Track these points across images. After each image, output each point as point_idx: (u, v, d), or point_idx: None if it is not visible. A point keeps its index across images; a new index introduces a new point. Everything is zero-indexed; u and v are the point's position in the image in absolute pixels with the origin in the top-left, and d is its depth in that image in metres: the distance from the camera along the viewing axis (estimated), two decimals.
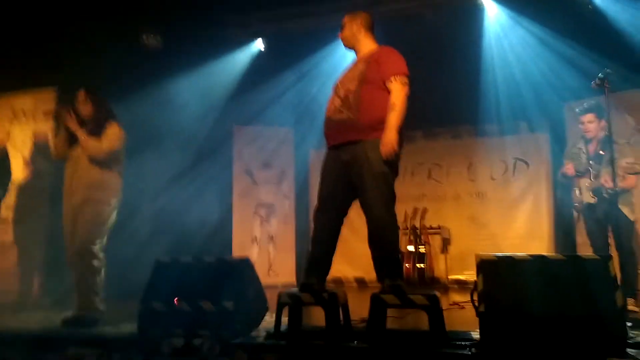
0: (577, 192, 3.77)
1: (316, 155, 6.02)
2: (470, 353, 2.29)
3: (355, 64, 2.88)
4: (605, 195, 3.54)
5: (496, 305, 2.33)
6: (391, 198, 2.69)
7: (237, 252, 6.01)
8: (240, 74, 6.05)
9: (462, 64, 5.52)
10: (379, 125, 2.66)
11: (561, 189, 4.74)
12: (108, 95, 3.60)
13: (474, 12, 5.46)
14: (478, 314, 2.36)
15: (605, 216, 3.58)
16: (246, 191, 6.31)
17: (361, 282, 5.96)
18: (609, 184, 3.43)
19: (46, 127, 5.03)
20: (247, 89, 5.97)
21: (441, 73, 5.48)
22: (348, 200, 2.80)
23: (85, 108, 3.42)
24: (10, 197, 4.69)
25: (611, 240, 3.60)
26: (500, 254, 2.50)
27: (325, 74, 5.48)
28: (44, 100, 5.01)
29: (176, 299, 2.62)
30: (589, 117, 3.72)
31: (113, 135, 3.37)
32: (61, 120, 3.46)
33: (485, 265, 2.41)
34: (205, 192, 5.67)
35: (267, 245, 6.25)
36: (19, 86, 5.24)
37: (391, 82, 2.69)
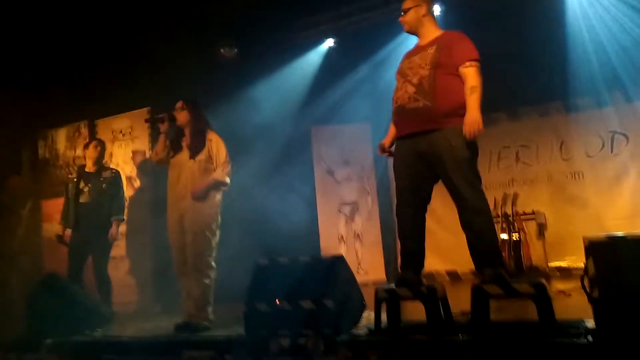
0: None
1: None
2: (587, 341, 2.15)
3: (422, 49, 2.80)
4: None
5: (611, 290, 2.17)
6: (479, 182, 2.65)
7: (325, 252, 6.08)
8: (313, 74, 6.13)
9: (544, 35, 5.20)
10: (457, 112, 2.61)
11: None
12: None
13: None
14: (591, 300, 2.21)
15: None
16: (329, 190, 6.37)
17: (454, 275, 5.81)
18: None
19: (143, 145, 5.42)
20: (322, 88, 6.04)
21: (522, 48, 5.21)
22: (428, 190, 2.76)
23: (181, 115, 3.59)
24: None
25: None
26: (610, 234, 2.33)
27: (398, 65, 5.41)
28: (139, 119, 5.40)
29: (278, 299, 2.70)
30: None
31: (225, 155, 3.51)
32: (157, 126, 3.65)
33: (596, 248, 2.24)
34: (289, 194, 5.80)
35: (354, 243, 6.27)
36: (115, 109, 5.69)
37: (466, 67, 2.65)
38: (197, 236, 3.40)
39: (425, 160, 2.68)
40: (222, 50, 5.71)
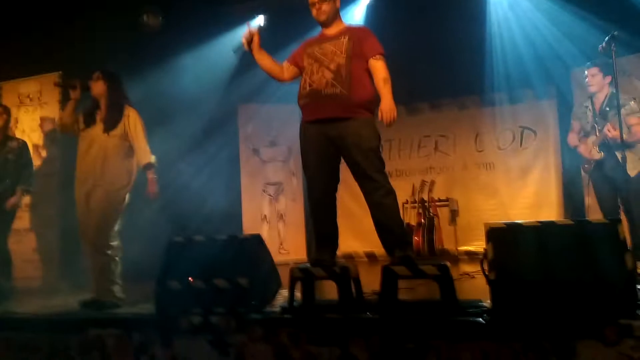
0: (584, 152, 3.78)
1: None
2: (483, 321, 2.32)
3: (333, 38, 2.86)
4: (610, 148, 3.53)
5: (506, 273, 2.35)
6: (384, 168, 2.79)
7: (247, 231, 6.05)
8: (241, 53, 5.99)
9: (466, 33, 5.43)
10: (368, 104, 2.77)
11: (569, 154, 4.72)
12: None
13: None
14: (489, 282, 2.38)
15: (613, 173, 3.56)
16: (254, 170, 6.33)
17: (371, 257, 6.01)
18: (613, 134, 3.45)
19: (53, 112, 5.05)
20: (249, 66, 5.92)
21: (445, 43, 5.41)
22: (337, 172, 2.85)
23: (97, 85, 3.40)
24: None
25: (620, 202, 3.59)
26: (509, 222, 2.51)
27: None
28: (49, 84, 5.01)
29: (191, 277, 2.66)
30: (593, 70, 3.71)
31: (141, 129, 3.39)
32: (69, 92, 3.45)
33: (495, 234, 2.41)
34: (213, 172, 5.69)
35: (277, 224, 6.30)
36: (23, 72, 5.24)
37: (377, 59, 2.79)
38: (100, 211, 3.29)
39: (334, 146, 2.77)
40: (145, 17, 5.42)
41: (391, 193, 2.75)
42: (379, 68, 2.77)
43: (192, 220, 5.13)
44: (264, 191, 6.35)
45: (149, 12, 5.49)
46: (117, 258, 3.34)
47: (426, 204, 5.82)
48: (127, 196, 3.40)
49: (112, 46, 4.88)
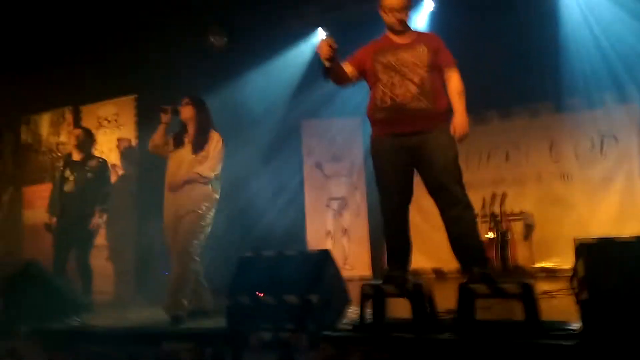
0: None
1: None
2: (573, 344, 2.12)
3: (409, 47, 2.76)
4: None
5: (600, 292, 2.14)
6: (462, 179, 2.71)
7: (311, 246, 6.03)
8: (304, 68, 6.04)
9: (536, 34, 5.19)
10: (447, 114, 2.72)
11: None
12: (183, 95, 3.73)
13: None
14: (579, 302, 2.18)
15: None
16: (317, 185, 6.31)
17: (439, 273, 5.79)
18: None
19: (129, 133, 5.32)
20: (312, 81, 5.96)
21: (513, 46, 5.19)
22: (411, 186, 2.77)
23: (186, 110, 3.63)
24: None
25: None
26: (601, 236, 2.30)
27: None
28: (125, 107, 5.29)
29: (260, 293, 2.64)
30: None
31: (218, 153, 3.57)
32: (161, 116, 3.66)
33: (586, 250, 2.22)
34: (277, 188, 5.74)
35: (341, 239, 6.22)
36: (101, 96, 5.57)
37: (452, 70, 2.75)
38: (187, 233, 3.44)
39: (411, 157, 2.70)
40: (211, 38, 5.61)
41: (470, 207, 2.66)
42: (455, 80, 2.75)
43: (259, 235, 5.18)
44: (327, 206, 6.31)
45: (214, 33, 5.67)
46: (191, 270, 3.46)
47: (498, 218, 5.53)
48: (213, 214, 3.57)
49: (182, 67, 5.07)
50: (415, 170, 2.76)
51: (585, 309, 2.16)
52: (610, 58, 4.95)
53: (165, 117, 3.63)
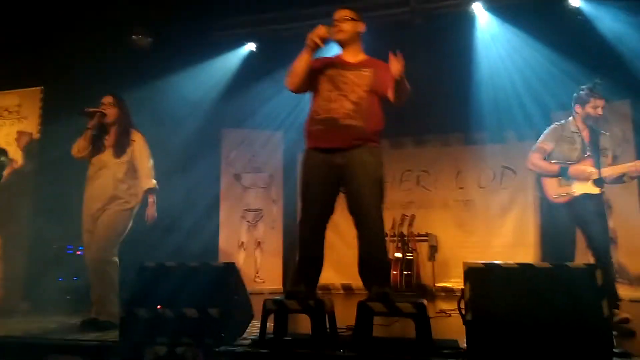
0: (561, 181, 3.43)
1: None
2: None
3: (355, 67, 2.82)
4: (603, 188, 3.34)
5: (483, 314, 2.31)
6: (382, 203, 2.73)
7: (223, 257, 5.95)
8: (230, 77, 6.00)
9: (452, 72, 5.53)
10: (376, 134, 2.77)
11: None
12: (97, 94, 3.56)
13: (465, 20, 5.47)
14: (465, 322, 2.33)
15: (592, 214, 3.31)
16: (234, 195, 6.25)
17: (348, 289, 5.93)
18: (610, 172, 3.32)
19: (31, 127, 4.96)
20: (237, 91, 5.93)
21: (432, 80, 5.49)
22: (333, 205, 2.78)
23: (111, 111, 3.48)
24: None
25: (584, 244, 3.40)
26: (487, 262, 2.49)
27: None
28: (29, 99, 4.94)
29: (159, 305, 2.56)
30: (603, 102, 3.45)
31: (148, 155, 3.48)
32: (89, 120, 3.48)
33: (473, 273, 2.38)
34: (192, 195, 5.60)
35: (254, 251, 6.19)
36: (4, 85, 5.16)
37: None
38: (105, 233, 3.36)
39: (340, 174, 2.72)
40: (133, 37, 5.41)
41: (382, 229, 2.71)
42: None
43: (170, 243, 5.01)
44: (242, 217, 6.25)
45: (137, 32, 5.48)
46: (116, 277, 3.36)
47: (406, 238, 5.79)
48: (132, 217, 3.48)
49: (98, 65, 4.84)
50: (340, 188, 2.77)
51: (470, 329, 2.31)
52: (515, 98, 5.36)
53: (92, 122, 3.46)
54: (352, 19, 2.88)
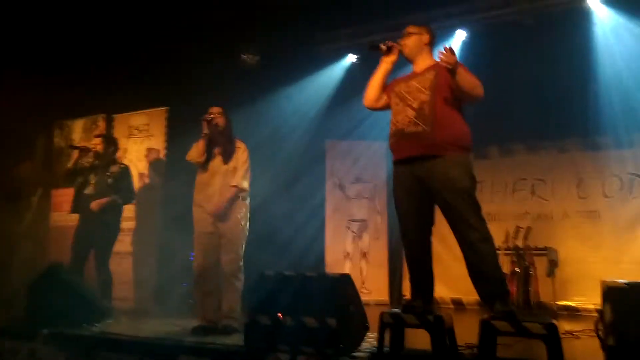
0: None
1: None
2: None
3: (419, 75, 2.80)
4: None
5: (628, 339, 2.09)
6: (480, 210, 2.63)
7: (329, 267, 6.01)
8: (333, 90, 6.12)
9: (568, 72, 5.15)
10: (457, 141, 2.65)
11: None
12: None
13: (580, 16, 5.10)
14: (605, 347, 2.13)
15: None
16: (339, 206, 6.31)
17: (458, 304, 5.70)
18: None
19: (158, 144, 5.43)
20: (340, 103, 6.01)
21: (546, 82, 5.16)
22: (429, 215, 2.73)
23: (220, 121, 3.71)
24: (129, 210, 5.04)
25: None
26: (631, 281, 2.25)
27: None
28: (156, 118, 5.42)
29: (280, 314, 2.64)
30: None
31: (246, 161, 3.67)
32: (204, 126, 3.70)
33: (614, 293, 2.18)
34: (299, 207, 5.75)
35: (360, 262, 6.19)
36: (134, 106, 5.71)
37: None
38: (229, 242, 3.53)
39: (424, 186, 2.68)
40: (243, 56, 5.72)
41: (488, 239, 2.59)
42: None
43: (278, 253, 5.18)
44: (347, 228, 6.29)
45: (246, 51, 5.79)
46: (240, 285, 3.54)
47: (521, 252, 5.43)
48: (247, 223, 3.66)
49: (213, 82, 5.17)
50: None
51: (612, 355, 2.10)
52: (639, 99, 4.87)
53: (207, 128, 3.67)
54: (415, 34, 2.88)
